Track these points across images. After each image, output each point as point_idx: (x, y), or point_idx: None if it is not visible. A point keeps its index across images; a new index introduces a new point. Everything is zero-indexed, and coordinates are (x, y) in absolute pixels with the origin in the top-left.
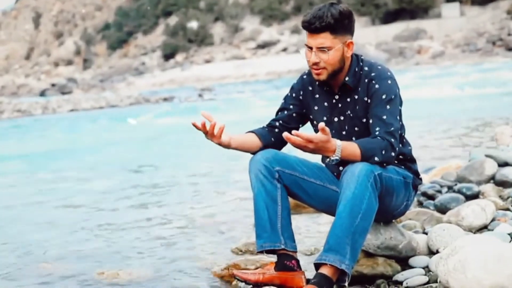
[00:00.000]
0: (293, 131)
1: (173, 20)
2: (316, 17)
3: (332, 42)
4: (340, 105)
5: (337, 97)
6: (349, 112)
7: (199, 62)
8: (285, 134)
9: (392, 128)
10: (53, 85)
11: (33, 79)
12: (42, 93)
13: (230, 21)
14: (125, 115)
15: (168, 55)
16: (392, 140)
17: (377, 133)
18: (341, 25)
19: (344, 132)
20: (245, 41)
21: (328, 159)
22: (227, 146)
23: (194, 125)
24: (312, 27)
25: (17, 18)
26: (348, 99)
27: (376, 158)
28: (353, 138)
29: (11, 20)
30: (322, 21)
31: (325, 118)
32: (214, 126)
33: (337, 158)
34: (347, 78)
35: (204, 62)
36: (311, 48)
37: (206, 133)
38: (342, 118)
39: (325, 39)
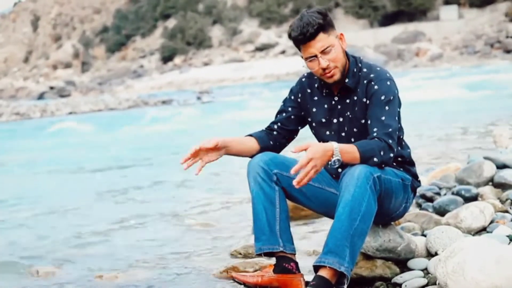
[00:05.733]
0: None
1: (171, 23)
2: (305, 25)
3: (329, 40)
4: (339, 107)
5: (336, 98)
6: (348, 113)
7: (198, 65)
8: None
9: (390, 129)
10: (51, 88)
11: (32, 82)
12: (41, 96)
13: (228, 24)
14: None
15: (167, 58)
16: (390, 141)
17: (375, 134)
18: (327, 22)
19: (343, 134)
20: (243, 43)
21: (329, 164)
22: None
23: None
24: (308, 34)
25: (16, 21)
26: (348, 100)
27: (375, 159)
28: (352, 140)
29: (10, 23)
30: (313, 25)
31: (323, 120)
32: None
33: (338, 158)
34: (347, 80)
35: (203, 65)
36: (314, 56)
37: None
38: (341, 119)
39: (322, 40)
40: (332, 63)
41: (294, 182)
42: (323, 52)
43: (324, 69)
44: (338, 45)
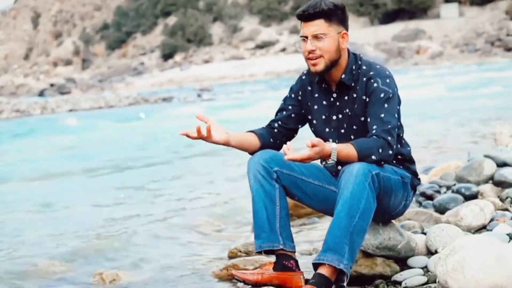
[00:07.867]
0: (286, 157)
1: (172, 20)
2: (310, 6)
3: (327, 30)
4: (338, 103)
5: (335, 95)
6: (347, 110)
7: (198, 62)
8: (285, 157)
9: (389, 126)
10: (52, 85)
11: (32, 79)
12: (41, 93)
13: (229, 21)
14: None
15: (167, 55)
16: (389, 138)
17: (374, 131)
18: (335, 14)
19: (342, 131)
20: (244, 41)
21: (324, 162)
22: (225, 144)
23: (187, 135)
24: (306, 13)
25: (16, 18)
26: (346, 97)
27: (373, 157)
28: (352, 137)
29: (10, 20)
30: (316, 8)
31: (323, 117)
32: (208, 129)
33: (333, 161)
34: (343, 76)
35: (203, 62)
36: (306, 37)
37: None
38: (340, 116)
39: (319, 26)
40: (319, 51)
41: (286, 152)
42: (314, 36)
43: (309, 53)
44: (333, 38)
